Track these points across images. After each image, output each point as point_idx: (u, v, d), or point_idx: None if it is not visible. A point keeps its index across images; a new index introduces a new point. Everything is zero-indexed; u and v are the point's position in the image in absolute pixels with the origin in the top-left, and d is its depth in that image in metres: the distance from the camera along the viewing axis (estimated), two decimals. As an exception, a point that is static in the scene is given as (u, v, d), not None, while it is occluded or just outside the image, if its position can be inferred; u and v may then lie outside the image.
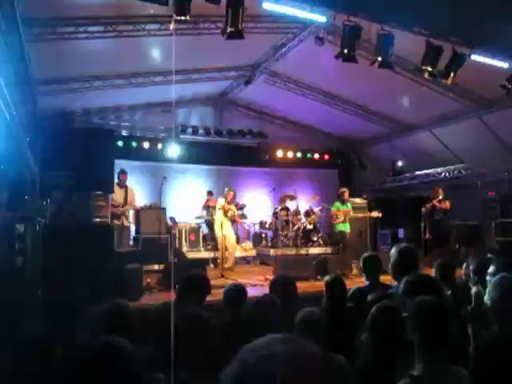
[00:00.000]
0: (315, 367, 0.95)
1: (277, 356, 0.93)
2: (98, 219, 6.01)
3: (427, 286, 2.78)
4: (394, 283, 3.64)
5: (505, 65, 8.28)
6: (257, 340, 1.01)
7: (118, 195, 8.21)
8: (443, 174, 12.52)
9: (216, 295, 6.29)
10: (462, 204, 10.93)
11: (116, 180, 8.03)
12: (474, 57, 7.91)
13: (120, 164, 9.45)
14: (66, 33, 7.61)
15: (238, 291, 3.63)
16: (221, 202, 9.52)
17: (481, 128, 11.41)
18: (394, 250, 3.53)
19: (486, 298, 2.77)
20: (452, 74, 7.97)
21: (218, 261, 9.62)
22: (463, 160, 12.50)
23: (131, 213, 9.14)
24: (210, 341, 2.56)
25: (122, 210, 8.28)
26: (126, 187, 8.64)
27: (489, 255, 5.79)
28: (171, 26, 6.25)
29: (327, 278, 3.74)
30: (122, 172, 8.63)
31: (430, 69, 7.73)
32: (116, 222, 7.82)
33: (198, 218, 11.54)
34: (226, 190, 9.71)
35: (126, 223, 8.36)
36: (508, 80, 8.45)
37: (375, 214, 10.44)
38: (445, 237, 10.38)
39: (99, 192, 6.11)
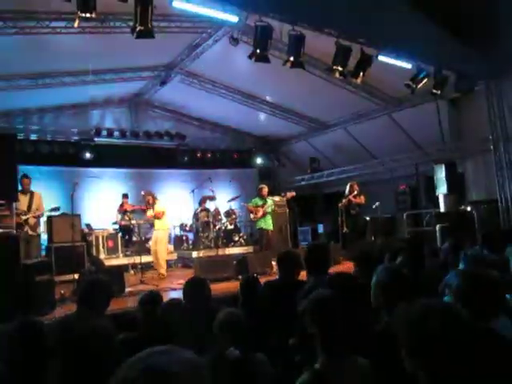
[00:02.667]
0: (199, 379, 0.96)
1: (156, 369, 0.93)
2: (0, 230, 5.62)
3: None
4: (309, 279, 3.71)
5: (408, 65, 8.77)
6: (139, 353, 1.00)
7: (21, 203, 7.69)
8: (358, 170, 13.00)
9: (135, 301, 6.15)
10: (376, 198, 11.41)
11: (19, 187, 7.53)
12: (381, 58, 8.30)
13: (29, 170, 8.93)
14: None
15: (151, 298, 3.49)
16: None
17: (391, 125, 12.01)
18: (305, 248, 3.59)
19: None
20: (361, 74, 8.29)
21: (139, 267, 9.36)
22: (376, 156, 13.07)
23: (42, 221, 8.64)
24: (114, 355, 2.44)
25: (25, 217, 7.75)
26: (31, 193, 8.10)
27: (400, 245, 6.08)
28: (76, 24, 5.96)
29: (240, 279, 3.73)
30: (25, 177, 8.06)
31: (340, 69, 7.97)
32: (20, 231, 7.32)
33: (115, 223, 11.15)
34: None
35: (30, 232, 7.83)
36: (412, 79, 8.94)
37: (290, 194, 10.73)
38: (361, 230, 10.79)
39: (1, 201, 5.71)
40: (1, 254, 4.87)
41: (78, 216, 8.89)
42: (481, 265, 2.92)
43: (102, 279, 3.68)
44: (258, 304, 3.39)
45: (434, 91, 9.20)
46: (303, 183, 14.99)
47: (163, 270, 8.96)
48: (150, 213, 9.28)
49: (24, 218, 7.77)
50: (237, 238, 11.92)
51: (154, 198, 9.24)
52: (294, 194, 10.96)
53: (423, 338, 1.46)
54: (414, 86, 8.95)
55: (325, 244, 3.95)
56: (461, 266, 2.99)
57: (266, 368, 2.65)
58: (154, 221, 9.36)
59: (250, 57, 7.31)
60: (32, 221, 7.97)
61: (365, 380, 2.09)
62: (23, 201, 7.82)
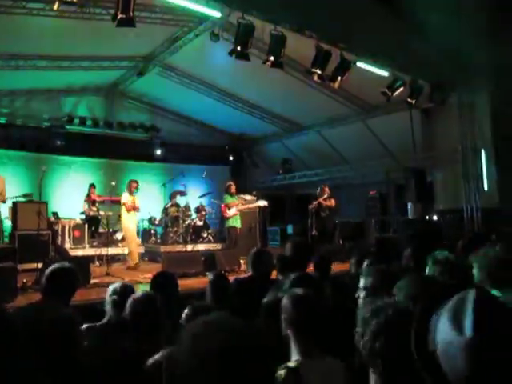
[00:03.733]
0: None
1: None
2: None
3: (308, 281, 2.87)
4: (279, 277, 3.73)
5: (385, 73, 8.91)
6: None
7: None
8: (330, 174, 13.13)
9: (99, 293, 6.06)
10: (347, 202, 11.56)
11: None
12: (359, 64, 8.41)
13: (-4, 153, 8.70)
14: None
15: (124, 289, 3.41)
16: (124, 196, 9.23)
17: (364, 131, 12.17)
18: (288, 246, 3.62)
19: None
20: (339, 79, 8.38)
21: (105, 258, 9.22)
22: (348, 161, 13.23)
23: (6, 207, 8.41)
24: (77, 345, 2.39)
25: None
26: None
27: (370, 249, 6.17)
28: (56, 6, 5.83)
29: (210, 275, 3.72)
30: None
31: (319, 72, 8.05)
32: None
33: (83, 213, 10.94)
34: (128, 181, 9.47)
35: None
36: (388, 87, 9.09)
37: (262, 202, 10.66)
38: (330, 233, 10.88)
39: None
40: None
41: (45, 203, 8.69)
42: (446, 267, 2.98)
43: (68, 268, 3.60)
44: (227, 301, 3.39)
45: (409, 100, 9.39)
46: (275, 183, 15.06)
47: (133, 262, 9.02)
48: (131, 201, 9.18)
49: None
50: (205, 235, 11.87)
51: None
52: (266, 203, 10.88)
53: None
54: (390, 93, 9.10)
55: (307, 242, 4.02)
56: (428, 269, 3.04)
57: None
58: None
59: (230, 53, 7.30)
60: None
61: (338, 381, 2.12)
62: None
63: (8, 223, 8.76)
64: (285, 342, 2.21)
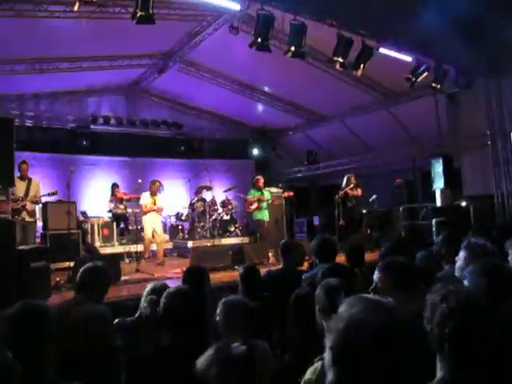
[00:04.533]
0: None
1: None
2: (-4, 215, 5.56)
3: (341, 271, 2.84)
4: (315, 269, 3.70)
5: (409, 58, 8.72)
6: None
7: (18, 188, 7.59)
8: (355, 163, 12.98)
9: (130, 290, 6.12)
10: (373, 191, 11.41)
11: (17, 173, 7.44)
12: (382, 50, 8.26)
13: (24, 156, 8.81)
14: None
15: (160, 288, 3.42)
16: (144, 197, 9.29)
17: (389, 119, 12.00)
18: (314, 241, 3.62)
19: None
20: (361, 66, 8.25)
21: (134, 255, 9.34)
22: (373, 149, 13.06)
23: (38, 208, 8.54)
24: (111, 341, 2.41)
25: (22, 203, 7.65)
26: (28, 179, 7.99)
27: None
28: (76, 7, 5.87)
29: (240, 268, 3.71)
30: (23, 163, 7.97)
31: (341, 60, 7.93)
32: (17, 217, 7.24)
33: (110, 211, 11.07)
34: (150, 181, 9.48)
35: (28, 218, 7.72)
36: (412, 73, 8.90)
37: (287, 193, 10.65)
38: (357, 223, 10.77)
39: (-3, 186, 5.65)
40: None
41: (74, 203, 8.82)
42: (482, 253, 2.90)
43: (100, 266, 3.64)
44: (258, 293, 3.38)
45: (434, 85, 9.18)
46: (300, 175, 14.98)
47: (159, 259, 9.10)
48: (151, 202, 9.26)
49: (22, 203, 7.67)
50: (232, 229, 11.89)
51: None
52: (291, 193, 10.86)
53: None
54: (414, 79, 8.92)
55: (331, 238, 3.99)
56: (461, 255, 2.97)
57: (269, 358, 2.62)
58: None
59: (250, 45, 7.25)
60: (30, 207, 7.88)
61: None
62: (21, 187, 7.72)
63: (40, 223, 8.89)
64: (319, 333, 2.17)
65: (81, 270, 3.53)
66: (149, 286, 3.39)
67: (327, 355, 1.22)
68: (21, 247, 5.67)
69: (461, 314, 1.40)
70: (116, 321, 3.15)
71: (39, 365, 2.00)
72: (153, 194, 9.23)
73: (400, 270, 2.33)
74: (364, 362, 1.14)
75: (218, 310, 2.74)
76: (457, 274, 2.92)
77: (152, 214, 9.22)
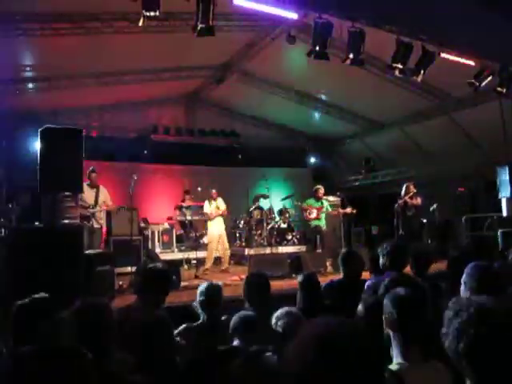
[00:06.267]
0: None
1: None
2: (66, 220, 5.84)
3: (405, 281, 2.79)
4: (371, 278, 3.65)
5: (472, 62, 8.43)
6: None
7: (88, 196, 7.94)
8: (414, 171, 12.65)
9: (190, 296, 6.24)
10: (433, 200, 11.07)
11: (87, 181, 7.82)
12: (443, 54, 8.03)
13: (89, 165, 9.22)
14: (29, 29, 7.36)
15: (214, 291, 3.50)
16: (205, 206, 9.70)
17: (450, 125, 11.62)
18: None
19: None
20: (422, 72, 8.07)
21: (193, 261, 9.55)
22: (433, 157, 12.68)
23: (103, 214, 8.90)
24: (171, 344, 2.48)
25: (92, 211, 7.99)
26: (97, 187, 8.35)
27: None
28: (140, 23, 6.10)
29: (300, 276, 3.70)
30: (93, 172, 8.35)
31: (400, 66, 7.79)
32: (86, 223, 7.57)
33: (171, 218, 11.36)
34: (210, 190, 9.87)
35: (96, 225, 8.05)
36: (475, 77, 8.60)
37: (349, 209, 10.38)
38: (417, 232, 10.45)
39: (67, 193, 5.94)
40: (65, 243, 5.05)
41: (136, 210, 9.12)
42: None
43: (162, 270, 3.74)
44: (319, 301, 3.37)
45: (499, 89, 8.81)
46: (357, 183, 14.77)
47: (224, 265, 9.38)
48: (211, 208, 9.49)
49: (92, 211, 8.00)
50: (290, 237, 11.87)
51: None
52: (353, 210, 10.53)
53: None
54: (478, 84, 8.61)
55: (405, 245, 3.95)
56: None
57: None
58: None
59: (308, 54, 7.26)
60: (99, 214, 8.23)
61: None
62: (90, 194, 8.06)
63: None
64: (386, 343, 2.15)
65: (142, 271, 3.63)
66: (198, 289, 3.48)
67: None
68: (88, 251, 5.94)
69: (473, 328, 1.32)
70: (183, 326, 3.25)
71: (103, 352, 2.15)
72: (212, 201, 9.51)
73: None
74: None
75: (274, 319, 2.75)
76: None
77: (217, 219, 9.53)
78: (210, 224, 9.63)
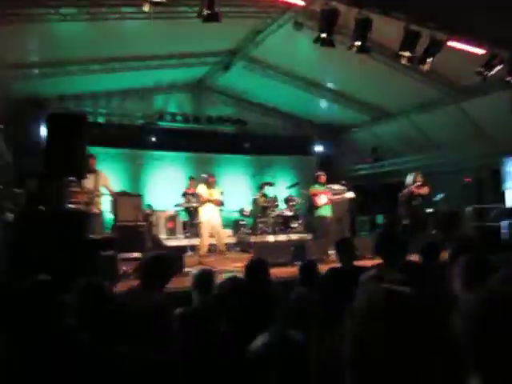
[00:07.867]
0: None
1: None
2: (71, 205, 5.90)
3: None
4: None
5: (480, 51, 8.32)
6: None
7: (87, 181, 7.93)
8: (421, 161, 12.58)
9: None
10: (440, 190, 11.02)
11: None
12: (451, 43, 7.94)
13: (96, 151, 9.24)
14: (36, 14, 7.36)
15: (206, 275, 3.59)
16: (200, 187, 9.36)
17: (458, 115, 11.50)
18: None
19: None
20: (429, 60, 7.99)
21: (197, 248, 9.56)
22: (441, 146, 12.60)
23: (106, 200, 8.93)
24: (170, 328, 2.52)
25: (91, 196, 7.95)
26: (96, 172, 8.31)
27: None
28: (146, 8, 6.10)
29: (300, 263, 3.73)
30: (91, 157, 8.26)
31: (408, 54, 7.72)
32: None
33: (177, 205, 11.40)
34: (206, 175, 9.53)
35: (95, 210, 8.00)
36: (483, 66, 8.50)
37: (349, 194, 10.33)
38: (422, 222, 10.41)
39: (72, 178, 5.99)
40: (70, 228, 5.10)
41: (141, 196, 9.17)
42: None
43: (164, 256, 3.80)
44: (317, 288, 3.39)
45: (508, 79, 8.71)
46: (363, 172, 14.74)
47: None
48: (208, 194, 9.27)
49: (92, 195, 8.01)
50: (295, 225, 11.90)
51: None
52: (353, 195, 10.46)
53: None
54: (486, 73, 8.51)
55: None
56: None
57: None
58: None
59: (315, 41, 7.23)
60: (98, 199, 8.24)
61: None
62: (89, 180, 8.06)
63: (108, 216, 9.30)
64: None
65: (145, 259, 3.71)
66: (191, 274, 3.55)
67: None
68: (92, 236, 6.00)
69: (468, 326, 1.27)
70: (177, 310, 3.30)
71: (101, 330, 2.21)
72: (209, 187, 9.25)
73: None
74: None
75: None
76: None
77: (209, 206, 9.12)
78: (200, 210, 9.31)
